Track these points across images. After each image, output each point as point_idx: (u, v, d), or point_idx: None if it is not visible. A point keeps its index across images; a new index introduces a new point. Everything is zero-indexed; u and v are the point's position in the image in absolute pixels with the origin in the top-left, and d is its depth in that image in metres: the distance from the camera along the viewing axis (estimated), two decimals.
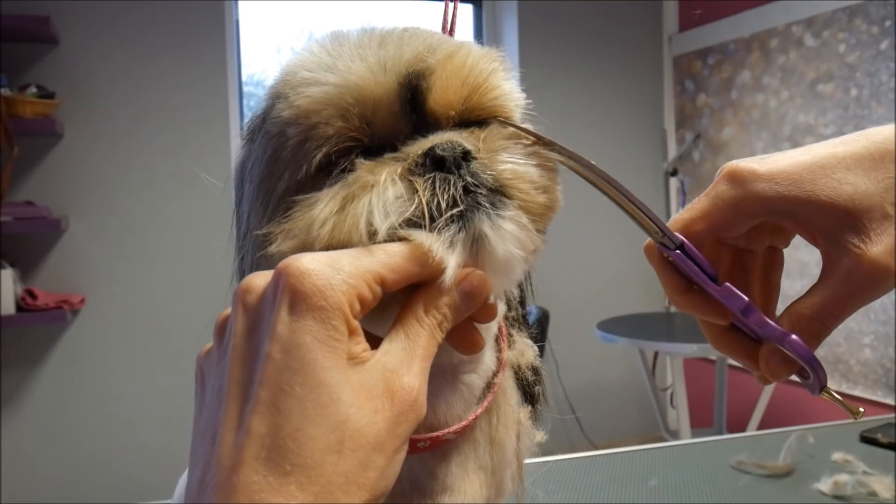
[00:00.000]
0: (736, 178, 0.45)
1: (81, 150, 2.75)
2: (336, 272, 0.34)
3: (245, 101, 3.17)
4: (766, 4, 3.11)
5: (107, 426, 2.81)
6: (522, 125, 0.47)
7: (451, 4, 0.55)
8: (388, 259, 0.37)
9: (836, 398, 0.45)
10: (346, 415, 0.32)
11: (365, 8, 3.13)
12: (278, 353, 0.33)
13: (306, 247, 0.40)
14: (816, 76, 2.89)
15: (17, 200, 2.62)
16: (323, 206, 0.41)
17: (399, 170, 0.42)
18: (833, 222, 0.43)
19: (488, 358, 0.51)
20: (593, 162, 0.45)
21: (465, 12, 3.58)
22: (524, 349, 0.57)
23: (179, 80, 2.87)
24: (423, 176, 0.41)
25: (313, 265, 0.34)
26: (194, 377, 0.39)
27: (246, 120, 0.53)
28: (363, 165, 0.42)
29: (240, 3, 3.14)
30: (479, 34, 3.57)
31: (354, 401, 0.33)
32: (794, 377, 0.46)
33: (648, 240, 0.47)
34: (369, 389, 0.33)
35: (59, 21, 2.64)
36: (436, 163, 0.41)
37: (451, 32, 0.55)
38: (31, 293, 2.58)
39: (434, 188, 0.41)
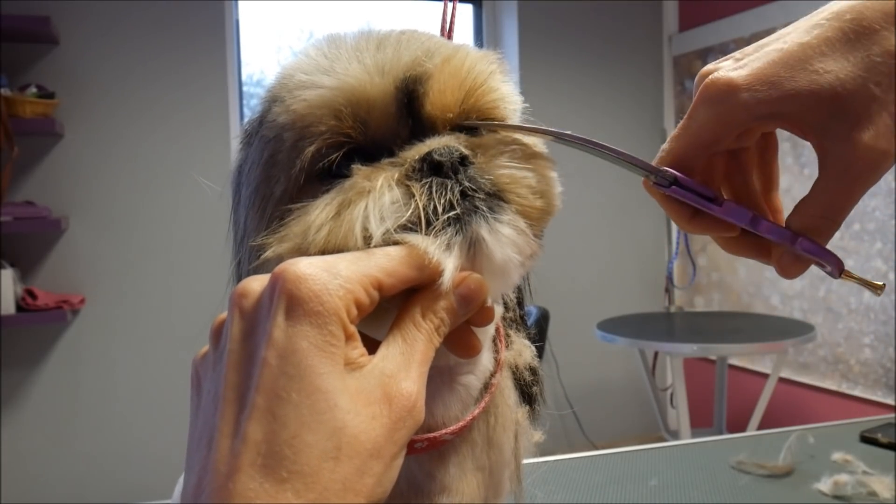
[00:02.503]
0: (714, 96, 0.44)
1: (81, 150, 2.75)
2: (333, 277, 0.34)
3: (245, 101, 3.17)
4: (766, 4, 3.11)
5: (107, 426, 2.81)
6: (496, 121, 0.47)
7: (450, 4, 0.55)
8: (385, 263, 0.37)
9: (857, 277, 0.46)
10: (343, 421, 0.32)
11: (365, 8, 3.13)
12: (274, 358, 0.32)
13: (302, 251, 0.40)
14: None
15: (17, 200, 2.62)
16: (319, 212, 0.41)
17: (396, 175, 0.41)
18: (820, 115, 0.42)
19: (486, 359, 0.51)
20: (567, 131, 0.46)
21: (465, 12, 3.58)
22: (522, 349, 0.57)
23: (179, 79, 2.87)
24: (420, 181, 0.41)
25: (310, 270, 0.34)
26: (190, 381, 0.38)
27: (245, 121, 0.53)
28: (360, 171, 0.42)
29: (240, 3, 3.14)
30: (478, 34, 3.57)
31: (352, 407, 0.32)
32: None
33: (644, 178, 0.47)
34: (367, 395, 0.33)
35: (59, 21, 2.64)
36: (433, 168, 0.41)
37: (450, 33, 0.55)
38: (31, 293, 2.58)
39: (431, 193, 0.40)
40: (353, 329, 0.34)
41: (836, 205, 0.44)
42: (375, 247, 0.38)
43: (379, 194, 0.40)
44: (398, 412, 0.33)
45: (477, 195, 0.41)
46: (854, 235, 2.78)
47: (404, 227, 0.40)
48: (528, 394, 0.57)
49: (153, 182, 2.84)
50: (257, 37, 3.28)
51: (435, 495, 0.49)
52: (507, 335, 0.56)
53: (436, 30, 0.53)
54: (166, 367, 2.79)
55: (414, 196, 0.40)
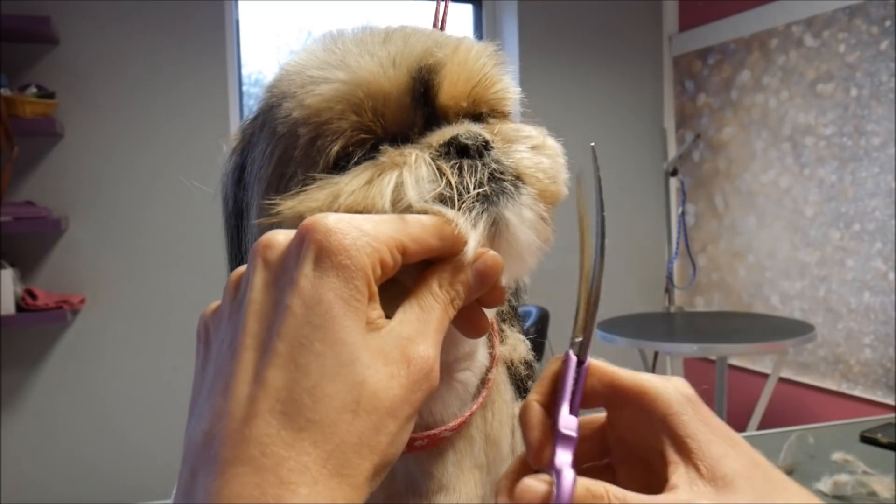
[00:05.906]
0: None
1: (81, 150, 2.75)
2: (362, 234, 0.34)
3: (245, 101, 3.17)
4: (766, 4, 3.11)
5: (106, 426, 2.81)
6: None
7: (442, 3, 0.56)
8: (410, 229, 0.37)
9: None
10: (364, 376, 0.32)
11: (364, 8, 3.13)
12: (299, 307, 0.32)
13: (325, 211, 0.40)
14: (816, 76, 2.89)
15: (17, 200, 2.62)
16: (351, 179, 0.42)
17: (427, 154, 0.43)
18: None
19: (481, 355, 0.51)
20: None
21: (465, 12, 3.57)
22: (516, 344, 0.57)
23: (179, 79, 2.87)
24: (449, 161, 0.42)
25: (340, 224, 0.34)
26: (196, 336, 0.38)
27: (242, 123, 0.53)
28: (388, 152, 0.43)
29: (240, 2, 3.14)
30: (479, 34, 3.56)
31: (372, 363, 0.32)
32: None
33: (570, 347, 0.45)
34: (386, 354, 0.33)
35: (59, 21, 2.64)
36: (459, 150, 0.43)
37: (442, 31, 0.56)
38: (31, 293, 2.57)
39: (461, 172, 0.42)
40: (375, 289, 0.34)
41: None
42: (405, 213, 0.39)
43: (416, 166, 0.42)
44: (416, 374, 0.34)
45: (504, 177, 0.43)
46: (854, 235, 2.77)
47: (435, 200, 0.41)
48: (523, 388, 0.57)
49: (153, 182, 2.84)
50: (257, 37, 3.28)
51: (433, 494, 0.48)
52: (501, 330, 0.56)
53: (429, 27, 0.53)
54: (166, 366, 2.79)
55: (445, 174, 0.42)
